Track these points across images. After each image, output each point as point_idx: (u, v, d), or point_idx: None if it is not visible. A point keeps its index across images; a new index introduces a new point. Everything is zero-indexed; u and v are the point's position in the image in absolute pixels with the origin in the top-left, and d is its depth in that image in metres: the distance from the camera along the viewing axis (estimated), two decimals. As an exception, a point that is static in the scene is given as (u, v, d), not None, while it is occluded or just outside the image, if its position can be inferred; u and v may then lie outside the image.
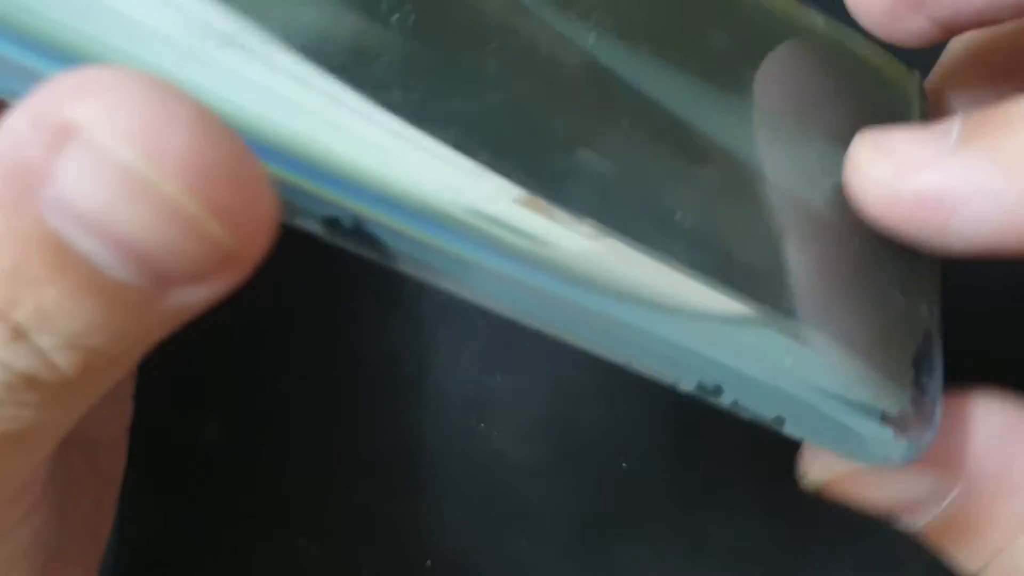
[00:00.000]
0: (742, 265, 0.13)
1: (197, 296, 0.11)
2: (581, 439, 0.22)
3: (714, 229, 0.13)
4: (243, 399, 0.22)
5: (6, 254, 0.10)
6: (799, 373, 0.13)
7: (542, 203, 0.12)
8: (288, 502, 0.21)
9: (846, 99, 0.16)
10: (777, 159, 0.14)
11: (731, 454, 0.21)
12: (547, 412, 0.22)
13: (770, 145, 0.14)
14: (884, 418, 0.13)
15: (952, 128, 0.13)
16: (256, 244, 0.10)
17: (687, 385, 0.13)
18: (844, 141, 0.14)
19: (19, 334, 0.10)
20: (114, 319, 0.10)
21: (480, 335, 0.22)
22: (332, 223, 0.12)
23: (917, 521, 0.15)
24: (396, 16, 0.12)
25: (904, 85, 0.17)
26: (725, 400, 0.13)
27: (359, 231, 0.12)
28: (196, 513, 0.21)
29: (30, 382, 0.11)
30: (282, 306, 0.22)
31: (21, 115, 0.10)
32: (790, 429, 0.13)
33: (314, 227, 0.12)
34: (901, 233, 0.14)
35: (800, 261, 0.14)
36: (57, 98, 0.10)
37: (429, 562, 0.21)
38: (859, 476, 0.15)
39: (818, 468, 0.15)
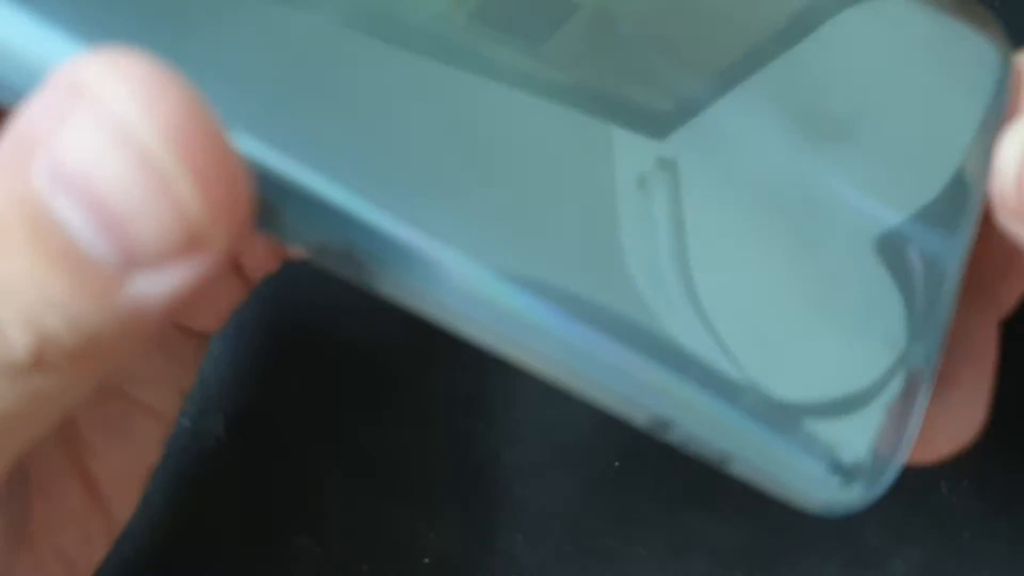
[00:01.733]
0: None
1: (159, 287, 0.11)
2: (574, 439, 0.22)
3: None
4: (243, 399, 0.22)
5: None
6: (752, 411, 0.12)
7: None
8: (288, 501, 0.22)
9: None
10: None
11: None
12: (541, 413, 0.22)
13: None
14: (835, 468, 0.12)
15: None
16: (224, 229, 0.11)
17: (639, 418, 0.12)
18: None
19: None
20: (75, 299, 0.11)
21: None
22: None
23: None
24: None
25: (986, 34, 0.15)
26: (676, 434, 0.12)
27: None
28: (196, 512, 0.22)
29: None
30: (280, 306, 0.22)
31: (39, 90, 0.10)
32: (735, 470, 0.13)
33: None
34: None
35: (768, 290, 0.13)
36: (69, 67, 0.10)
37: (427, 559, 0.21)
38: None
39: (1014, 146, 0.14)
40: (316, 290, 0.22)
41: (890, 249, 0.13)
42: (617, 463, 0.22)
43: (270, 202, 0.11)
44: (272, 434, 0.22)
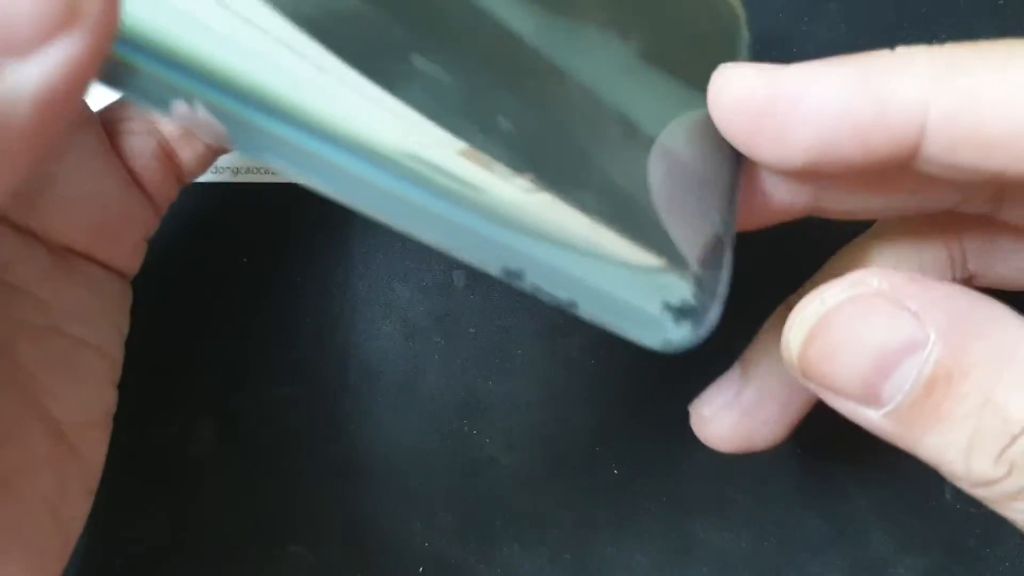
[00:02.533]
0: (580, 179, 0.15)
1: (33, 74, 0.11)
2: (572, 445, 0.22)
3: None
4: (237, 407, 0.22)
5: None
6: (593, 261, 0.15)
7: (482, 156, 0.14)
8: (283, 509, 0.21)
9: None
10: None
11: (720, 460, 0.21)
12: (538, 419, 0.22)
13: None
14: (666, 306, 0.15)
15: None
16: (97, 4, 0.11)
17: (493, 270, 0.14)
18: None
19: None
20: None
21: (472, 342, 0.22)
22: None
23: (894, 397, 0.14)
24: None
25: (733, 20, 0.19)
26: (526, 284, 0.14)
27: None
28: (192, 522, 0.21)
29: None
30: (276, 314, 0.22)
31: None
32: (583, 312, 0.15)
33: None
34: (751, 136, 0.15)
35: (612, 166, 0.15)
36: None
37: (422, 568, 0.21)
38: (831, 347, 0.14)
39: (795, 334, 0.15)
40: (311, 295, 0.22)
41: (688, 137, 0.16)
42: (616, 470, 0.22)
43: (125, 61, 0.13)
44: (265, 440, 0.22)
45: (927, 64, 0.14)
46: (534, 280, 0.14)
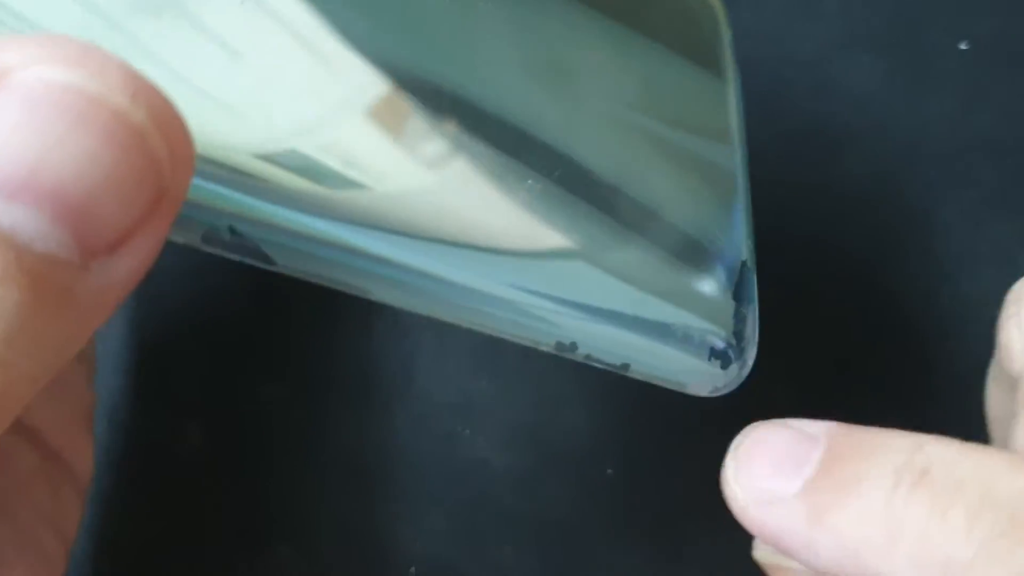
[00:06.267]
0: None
1: (119, 269, 0.10)
2: (566, 445, 0.22)
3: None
4: (224, 406, 0.22)
5: None
6: (638, 325, 0.15)
7: (402, 105, 0.14)
8: (271, 510, 0.21)
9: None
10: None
11: (715, 461, 0.21)
12: (532, 418, 0.22)
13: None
14: (712, 354, 0.15)
15: (810, 460, 0.14)
16: (182, 180, 0.10)
17: (546, 346, 0.14)
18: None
19: None
20: (38, 313, 0.09)
21: (465, 341, 0.22)
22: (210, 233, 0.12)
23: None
24: None
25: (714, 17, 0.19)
26: (580, 354, 0.14)
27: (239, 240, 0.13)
28: (179, 522, 0.21)
29: None
30: (264, 312, 0.22)
31: None
32: (635, 373, 0.15)
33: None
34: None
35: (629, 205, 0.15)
36: None
37: (413, 568, 0.21)
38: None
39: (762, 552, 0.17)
40: (299, 294, 0.22)
41: (696, 162, 0.16)
42: (610, 470, 0.22)
43: None
44: (253, 440, 0.22)
45: None
46: (588, 351, 0.14)
